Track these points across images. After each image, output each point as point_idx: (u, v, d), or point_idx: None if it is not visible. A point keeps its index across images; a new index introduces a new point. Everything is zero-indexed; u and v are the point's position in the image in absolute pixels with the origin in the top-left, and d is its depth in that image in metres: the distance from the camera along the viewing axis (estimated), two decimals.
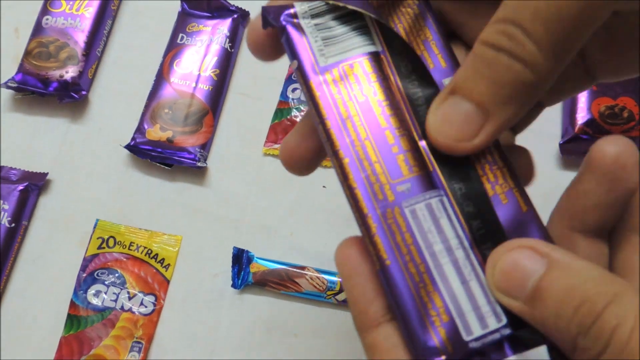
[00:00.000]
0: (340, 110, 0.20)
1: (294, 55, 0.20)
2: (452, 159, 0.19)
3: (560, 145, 0.46)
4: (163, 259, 0.46)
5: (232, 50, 0.51)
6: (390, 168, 0.19)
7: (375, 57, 0.21)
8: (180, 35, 0.52)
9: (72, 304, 0.44)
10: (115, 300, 0.45)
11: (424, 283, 0.18)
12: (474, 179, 0.19)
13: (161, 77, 0.50)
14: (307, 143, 0.23)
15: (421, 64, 0.21)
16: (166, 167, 0.48)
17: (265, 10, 0.21)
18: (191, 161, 0.48)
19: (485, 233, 0.19)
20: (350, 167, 0.19)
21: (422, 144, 0.20)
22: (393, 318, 0.19)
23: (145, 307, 0.45)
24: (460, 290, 0.18)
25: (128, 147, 0.48)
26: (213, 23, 0.52)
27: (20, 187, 0.47)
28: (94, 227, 0.47)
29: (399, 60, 0.21)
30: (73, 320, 0.44)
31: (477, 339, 0.18)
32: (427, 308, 0.18)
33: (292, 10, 0.20)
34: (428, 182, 0.19)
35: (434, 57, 0.21)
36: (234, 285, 0.45)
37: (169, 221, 0.47)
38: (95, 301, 0.45)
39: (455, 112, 0.19)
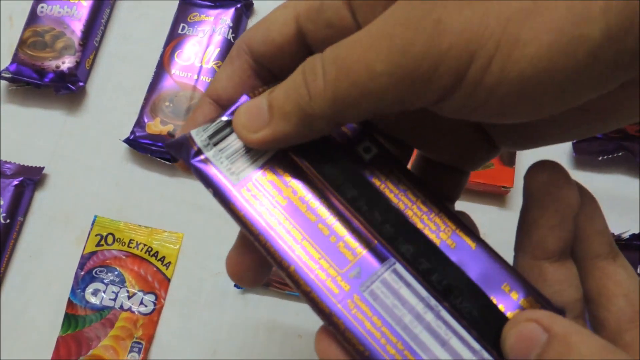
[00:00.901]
0: (269, 221, 0.20)
1: (207, 184, 0.21)
2: (390, 225, 0.20)
3: (574, 144, 0.45)
4: (164, 257, 0.45)
5: (235, 41, 0.50)
6: (335, 259, 0.19)
7: (283, 156, 0.21)
8: (182, 25, 0.50)
9: (70, 303, 0.43)
10: (114, 299, 0.43)
11: None
12: (417, 235, 0.20)
13: (162, 68, 0.49)
14: (250, 256, 0.22)
15: (326, 144, 0.21)
16: (167, 163, 0.46)
17: (169, 149, 0.22)
18: None
19: (448, 283, 0.19)
20: (298, 273, 0.19)
21: (355, 225, 0.20)
22: None
23: (145, 306, 0.43)
24: (443, 354, 0.18)
25: (127, 141, 0.46)
26: (215, 13, 0.50)
27: (16, 182, 0.45)
28: (92, 224, 0.45)
29: (306, 150, 0.21)
30: (71, 319, 0.43)
31: None
32: None
33: (195, 148, 0.21)
34: (376, 257, 0.19)
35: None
36: (236, 285, 0.44)
37: (170, 218, 0.46)
38: (93, 300, 0.43)
39: (255, 105, 0.20)
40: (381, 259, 0.19)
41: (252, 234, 0.20)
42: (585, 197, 0.20)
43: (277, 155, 0.21)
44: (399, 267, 0.19)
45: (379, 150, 0.21)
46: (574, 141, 0.45)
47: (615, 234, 0.41)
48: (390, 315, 0.19)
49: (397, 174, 0.21)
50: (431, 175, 0.25)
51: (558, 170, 0.19)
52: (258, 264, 0.23)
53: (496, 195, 0.45)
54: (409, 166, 0.25)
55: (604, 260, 0.20)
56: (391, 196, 0.20)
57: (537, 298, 0.19)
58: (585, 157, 0.45)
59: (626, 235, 0.41)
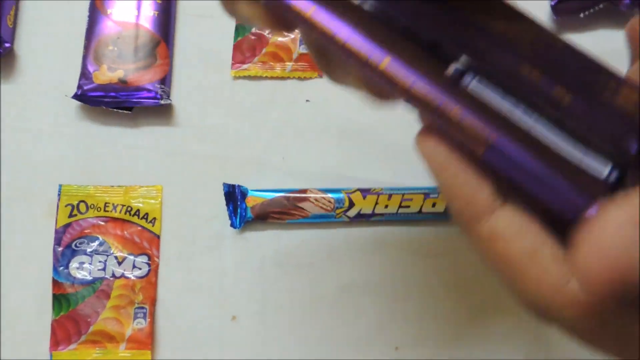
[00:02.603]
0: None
1: None
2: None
3: (552, 7, 0.42)
4: (147, 214, 0.41)
5: None
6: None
7: None
8: None
9: (55, 283, 0.39)
10: (104, 269, 0.40)
11: (537, 146, 0.16)
12: None
13: (95, 10, 0.43)
14: None
15: None
16: (126, 112, 0.42)
17: None
18: (152, 100, 0.41)
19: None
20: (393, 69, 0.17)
21: None
22: (505, 200, 0.17)
23: (139, 269, 0.40)
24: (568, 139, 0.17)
25: (76, 97, 0.41)
26: None
27: None
28: (59, 194, 0.41)
29: None
30: (61, 300, 0.39)
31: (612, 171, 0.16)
32: (556, 168, 0.16)
33: None
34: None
35: None
36: (232, 225, 0.40)
37: (143, 171, 0.42)
38: (81, 274, 0.39)
39: None
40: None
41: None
42: None
43: None
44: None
45: None
46: (552, 3, 0.42)
47: None
48: (501, 104, 0.17)
49: None
50: None
51: None
52: None
53: None
54: None
55: None
56: None
57: None
58: (566, 17, 0.42)
59: None
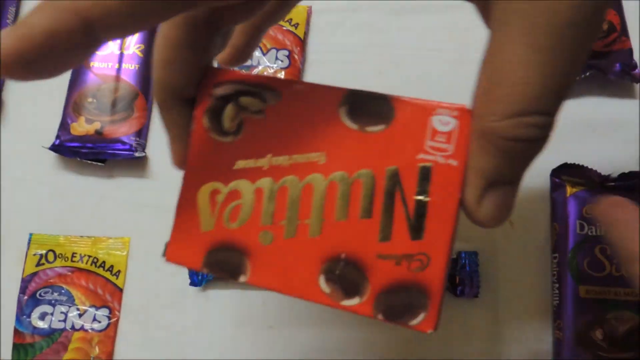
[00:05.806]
0: None
1: None
2: None
3: None
4: (112, 266, 0.41)
5: None
6: None
7: None
8: None
9: (17, 332, 0.39)
10: (64, 320, 0.40)
11: None
12: None
13: None
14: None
15: None
16: (99, 164, 0.42)
17: None
18: (127, 152, 0.42)
19: None
20: None
21: None
22: None
23: (99, 322, 0.40)
24: None
25: (53, 147, 0.42)
26: None
27: None
28: (28, 243, 0.41)
29: None
30: (20, 349, 0.39)
31: None
32: None
33: None
34: None
35: None
36: (192, 283, 0.40)
37: (113, 223, 0.42)
38: (41, 324, 0.40)
39: None
40: None
41: None
42: None
43: None
44: None
45: None
46: None
47: (602, 174, 0.37)
48: None
49: None
50: None
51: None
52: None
53: None
54: None
55: None
56: None
57: None
58: None
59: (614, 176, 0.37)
